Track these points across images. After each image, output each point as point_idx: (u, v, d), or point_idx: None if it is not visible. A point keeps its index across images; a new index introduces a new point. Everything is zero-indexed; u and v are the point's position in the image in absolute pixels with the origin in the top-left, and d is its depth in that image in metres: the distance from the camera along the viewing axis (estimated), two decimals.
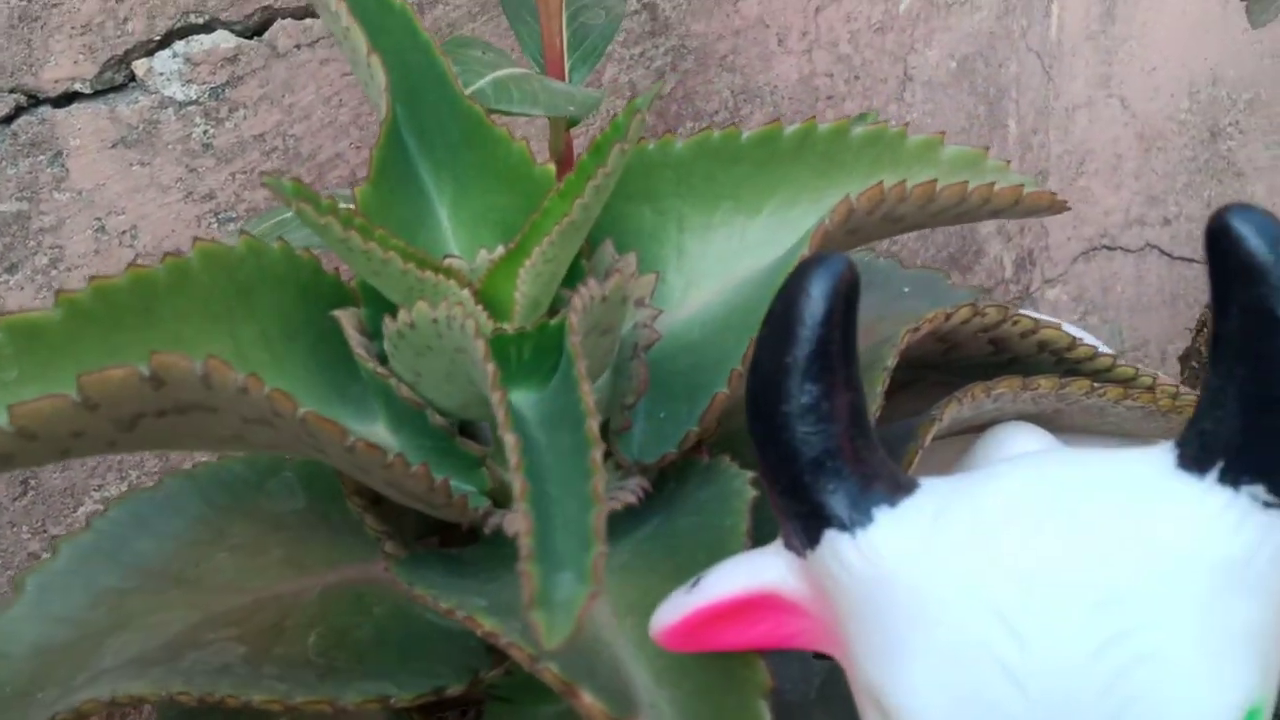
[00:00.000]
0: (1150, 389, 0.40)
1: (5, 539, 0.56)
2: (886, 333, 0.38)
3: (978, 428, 0.40)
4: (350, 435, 0.28)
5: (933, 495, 0.27)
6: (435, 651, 0.34)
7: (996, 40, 0.93)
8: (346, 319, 0.33)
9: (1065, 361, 0.40)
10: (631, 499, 0.33)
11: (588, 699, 0.29)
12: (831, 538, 0.26)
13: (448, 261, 0.33)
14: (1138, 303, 1.06)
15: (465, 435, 0.34)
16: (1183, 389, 0.43)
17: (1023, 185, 0.37)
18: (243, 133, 0.61)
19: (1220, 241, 0.24)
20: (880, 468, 0.27)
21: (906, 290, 0.43)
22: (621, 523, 0.34)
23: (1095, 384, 0.39)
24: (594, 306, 0.29)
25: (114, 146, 0.58)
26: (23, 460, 0.28)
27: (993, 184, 0.36)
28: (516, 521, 0.22)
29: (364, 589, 0.35)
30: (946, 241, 0.97)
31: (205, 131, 0.60)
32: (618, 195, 0.37)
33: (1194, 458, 0.25)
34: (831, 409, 0.27)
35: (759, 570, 0.28)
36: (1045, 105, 0.98)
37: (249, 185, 0.62)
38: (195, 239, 0.32)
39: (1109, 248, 1.05)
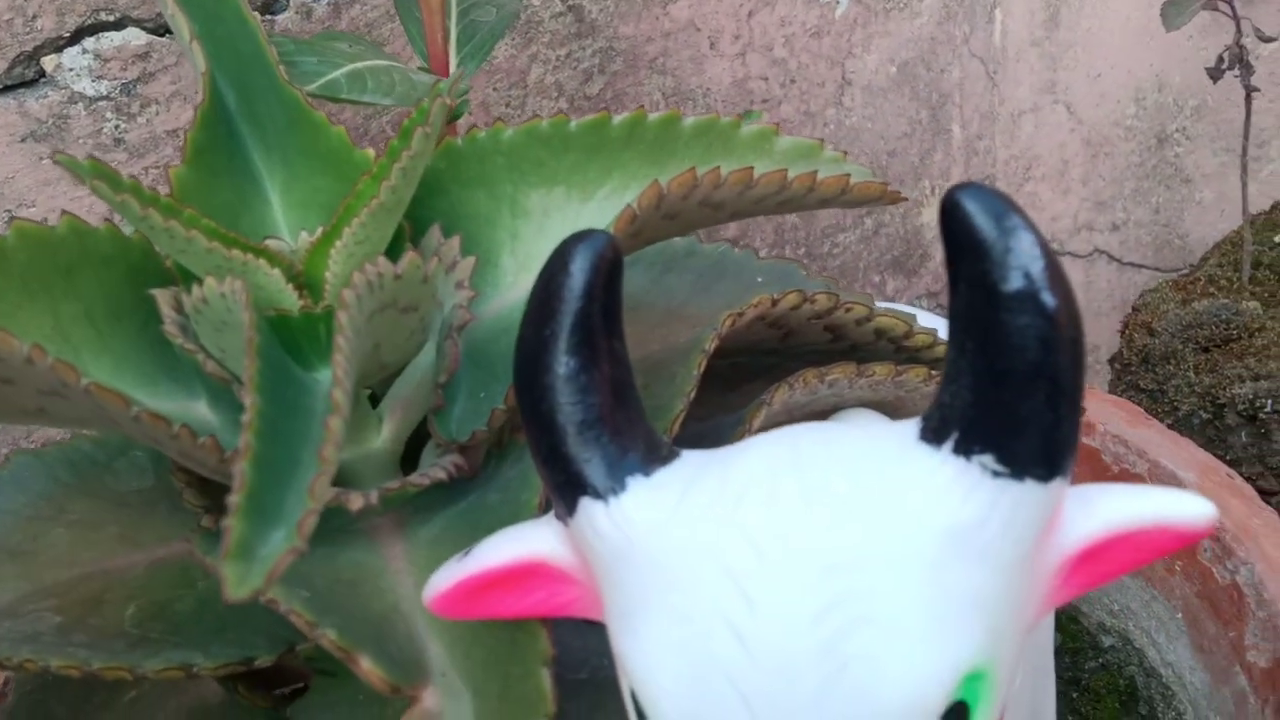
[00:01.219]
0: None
1: None
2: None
3: (822, 415, 0.41)
4: (134, 406, 0.29)
5: (689, 466, 0.27)
6: (254, 625, 0.35)
7: (938, 46, 0.93)
8: (163, 298, 0.33)
9: (904, 350, 0.41)
10: (442, 475, 0.34)
11: (366, 665, 0.29)
12: (586, 505, 0.27)
13: (267, 242, 0.34)
14: (1087, 308, 1.07)
15: None
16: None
17: (849, 176, 0.37)
18: (155, 128, 0.62)
19: (950, 219, 0.25)
20: (640, 439, 0.28)
21: (760, 280, 0.43)
22: (438, 499, 0.35)
23: (933, 371, 0.39)
24: (385, 283, 0.30)
25: (23, 140, 0.59)
26: None
27: (815, 172, 0.36)
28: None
29: (191, 563, 0.36)
30: (890, 245, 0.98)
31: (117, 126, 0.61)
32: (454, 180, 0.38)
33: (933, 430, 0.26)
34: (590, 381, 0.27)
35: (529, 540, 0.29)
36: (990, 111, 0.98)
37: (162, 180, 0.63)
38: (12, 218, 0.32)
39: (1057, 253, 1.05)
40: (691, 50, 0.81)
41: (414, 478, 0.34)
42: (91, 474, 0.39)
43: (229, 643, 0.34)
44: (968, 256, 0.25)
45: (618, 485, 0.27)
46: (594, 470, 0.27)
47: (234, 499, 0.23)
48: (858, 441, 0.27)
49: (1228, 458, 0.66)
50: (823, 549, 0.25)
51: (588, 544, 0.27)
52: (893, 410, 0.41)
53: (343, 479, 0.36)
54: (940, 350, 0.40)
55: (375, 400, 0.38)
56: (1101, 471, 0.55)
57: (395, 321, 0.32)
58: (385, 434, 0.37)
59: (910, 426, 0.27)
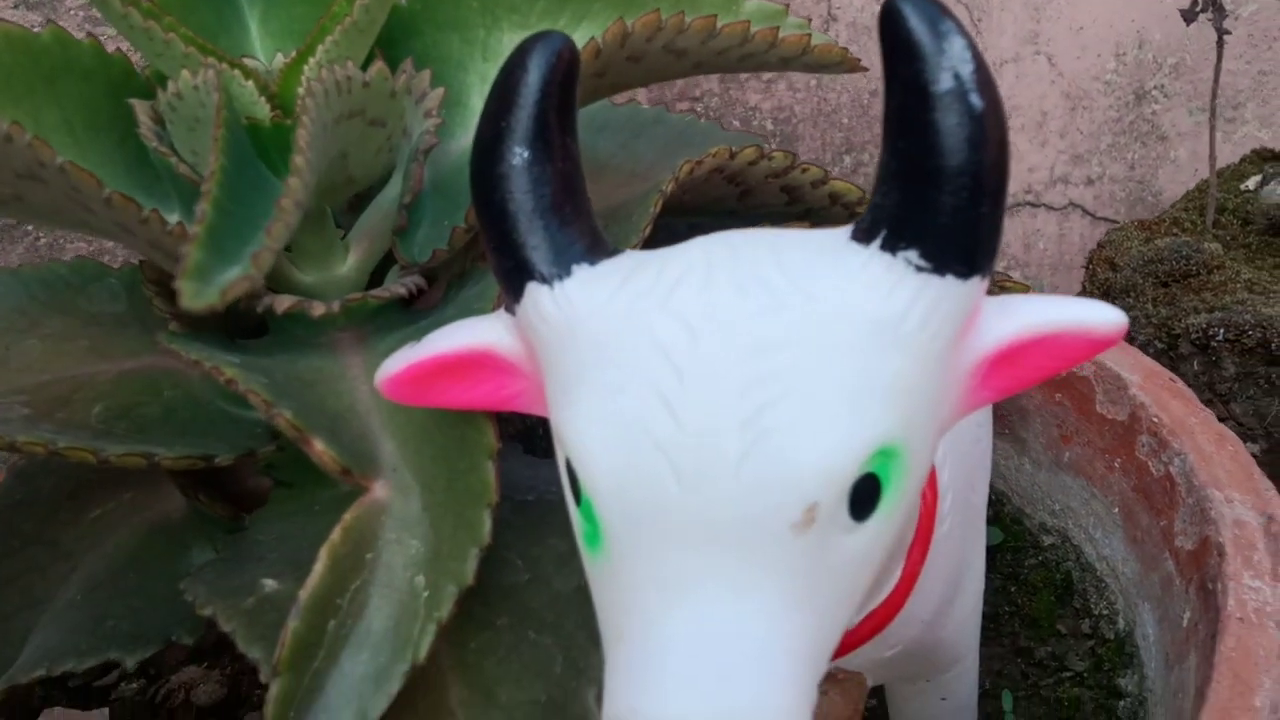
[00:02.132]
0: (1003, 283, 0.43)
1: None
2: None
3: None
4: (106, 188, 0.30)
5: (631, 259, 0.29)
6: (217, 431, 0.36)
7: None
8: (140, 107, 0.35)
9: (857, 216, 0.42)
10: (402, 291, 0.35)
11: (319, 446, 0.31)
12: (533, 289, 0.28)
13: (244, 59, 0.35)
14: (1059, 261, 1.08)
15: None
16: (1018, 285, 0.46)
17: (809, 35, 0.39)
18: None
19: (888, 23, 0.26)
20: (587, 232, 0.29)
21: None
22: (398, 318, 0.37)
23: None
24: (353, 88, 0.31)
25: (15, 8, 0.60)
26: None
27: (777, 29, 0.38)
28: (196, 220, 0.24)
29: (159, 375, 0.37)
30: (870, 183, 0.99)
31: None
32: (429, 23, 0.40)
33: (864, 230, 0.27)
34: (542, 173, 0.29)
35: (478, 330, 0.30)
36: None
37: None
38: None
39: (1033, 204, 1.07)
40: None
41: (375, 291, 0.35)
42: (66, 294, 0.40)
43: (190, 443, 0.35)
44: (902, 58, 0.26)
45: (563, 271, 0.28)
46: (541, 256, 0.29)
47: (193, 230, 0.24)
48: (792, 240, 0.28)
49: None
50: (752, 331, 0.26)
51: (532, 328, 0.29)
52: None
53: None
54: None
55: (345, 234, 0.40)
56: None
57: (363, 133, 0.33)
58: (351, 261, 0.38)
59: (844, 230, 0.28)
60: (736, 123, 0.91)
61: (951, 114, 0.26)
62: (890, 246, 0.27)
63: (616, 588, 0.26)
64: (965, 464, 0.42)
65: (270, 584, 0.33)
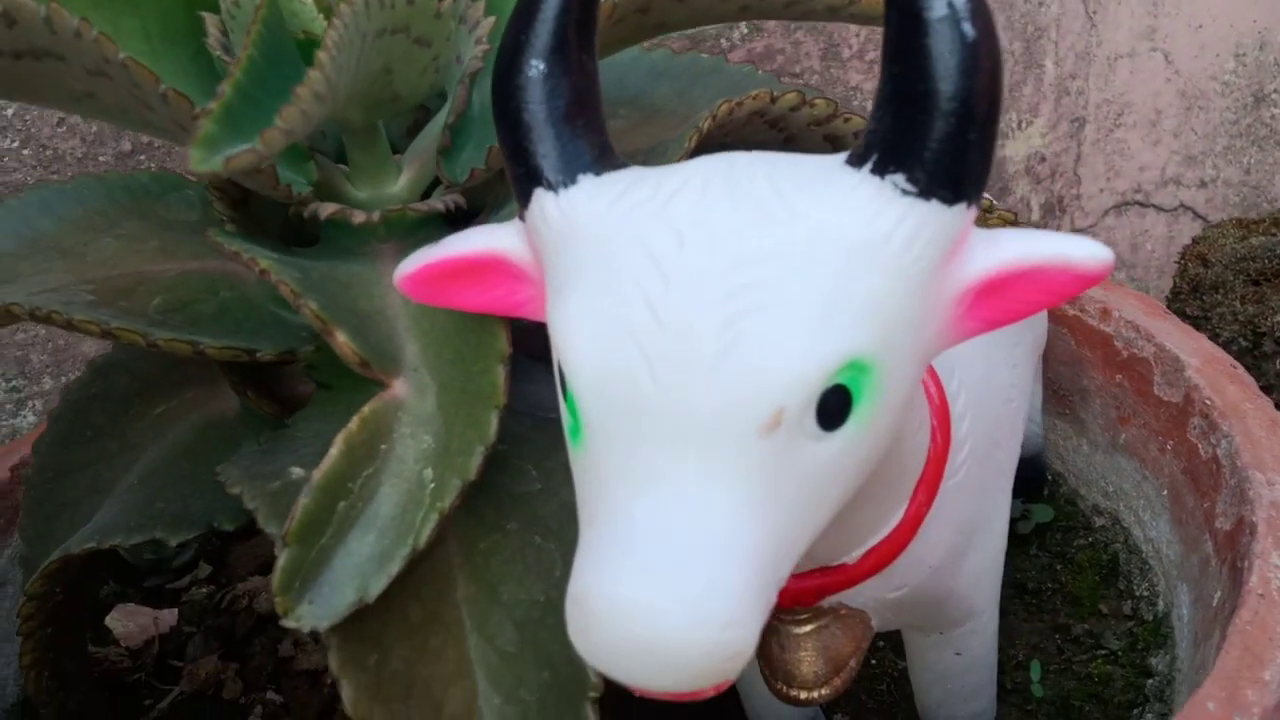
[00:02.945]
0: (987, 210, 0.43)
1: None
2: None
3: None
4: (163, 84, 0.32)
5: (636, 172, 0.30)
6: (264, 332, 0.38)
7: None
8: (210, 19, 0.37)
9: None
10: (440, 207, 0.37)
11: (341, 338, 0.33)
12: (540, 195, 0.30)
13: None
14: (1167, 264, 1.06)
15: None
16: (1006, 214, 0.46)
17: None
18: None
19: None
20: (596, 144, 0.30)
21: None
22: (437, 234, 0.38)
23: None
24: (395, 4, 0.33)
25: None
26: None
27: None
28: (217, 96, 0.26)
29: (217, 277, 0.40)
30: None
31: None
32: None
33: (858, 155, 0.28)
34: (556, 85, 0.30)
35: (493, 235, 0.32)
36: (1086, 51, 0.98)
37: None
38: None
39: (1142, 204, 1.05)
40: None
41: (414, 204, 0.37)
42: (146, 201, 0.43)
43: (237, 338, 0.37)
44: None
45: (568, 179, 0.30)
46: (550, 164, 0.30)
47: (210, 106, 0.26)
48: (789, 162, 0.29)
49: (1260, 384, 0.66)
50: (739, 242, 0.27)
51: (538, 232, 0.30)
52: None
53: None
54: None
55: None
56: (1112, 355, 0.56)
57: (407, 50, 0.35)
58: (403, 180, 0.40)
59: (841, 155, 0.29)
60: None
61: (944, 40, 0.27)
62: (880, 170, 0.28)
63: (592, 477, 0.28)
64: (991, 421, 0.42)
65: (297, 471, 0.35)
